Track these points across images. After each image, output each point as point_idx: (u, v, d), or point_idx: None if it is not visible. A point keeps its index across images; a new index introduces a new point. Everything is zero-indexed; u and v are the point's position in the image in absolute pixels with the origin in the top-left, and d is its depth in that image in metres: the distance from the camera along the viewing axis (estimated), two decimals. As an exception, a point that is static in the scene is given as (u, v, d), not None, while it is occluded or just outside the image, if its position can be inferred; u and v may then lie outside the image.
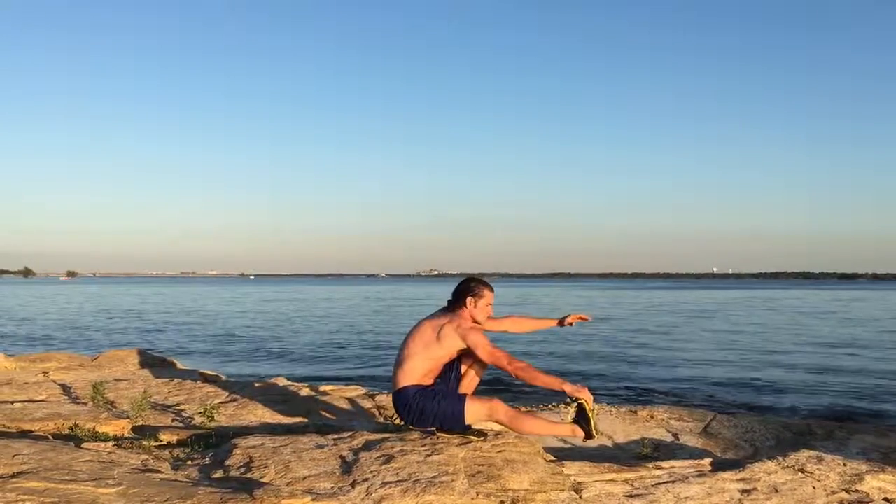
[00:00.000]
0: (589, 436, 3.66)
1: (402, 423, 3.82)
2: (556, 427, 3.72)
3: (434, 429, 3.82)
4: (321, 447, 3.44)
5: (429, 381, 3.68)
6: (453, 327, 3.63)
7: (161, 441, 3.93)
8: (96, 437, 3.89)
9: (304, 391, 5.80)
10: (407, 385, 3.64)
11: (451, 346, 3.64)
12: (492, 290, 3.88)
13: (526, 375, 3.52)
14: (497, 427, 4.59)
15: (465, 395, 3.68)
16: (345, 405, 5.31)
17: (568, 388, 3.56)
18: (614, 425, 5.58)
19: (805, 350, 17.80)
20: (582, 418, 3.64)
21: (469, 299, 3.79)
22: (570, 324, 4.18)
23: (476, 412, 3.60)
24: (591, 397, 3.62)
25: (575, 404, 3.63)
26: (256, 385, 6.20)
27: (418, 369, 3.64)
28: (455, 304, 3.82)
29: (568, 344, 19.25)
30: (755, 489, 3.30)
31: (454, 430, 3.68)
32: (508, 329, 4.12)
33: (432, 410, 3.60)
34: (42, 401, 5.06)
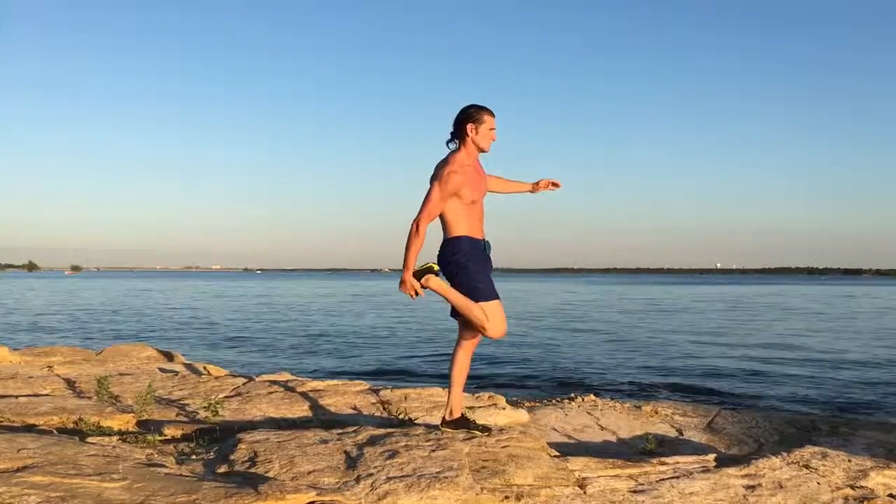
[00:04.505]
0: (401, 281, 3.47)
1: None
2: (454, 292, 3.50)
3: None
4: (325, 442, 3.44)
5: (451, 234, 3.57)
6: (435, 178, 3.49)
7: (166, 435, 3.94)
8: (101, 431, 3.89)
9: (309, 386, 5.80)
10: (445, 238, 3.58)
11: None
12: (492, 114, 3.56)
13: (408, 240, 3.39)
14: (501, 423, 4.59)
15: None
16: (349, 400, 5.31)
17: (406, 278, 3.41)
18: (618, 420, 5.59)
19: (809, 345, 17.77)
20: (422, 274, 3.49)
21: (470, 126, 3.50)
22: (544, 188, 3.94)
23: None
24: (416, 292, 3.44)
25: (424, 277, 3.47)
26: (261, 379, 6.21)
27: (443, 224, 3.57)
28: (456, 135, 3.58)
29: (571, 339, 19.25)
30: (760, 485, 3.30)
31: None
32: (491, 187, 3.82)
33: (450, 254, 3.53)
34: (47, 395, 5.07)
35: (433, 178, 3.52)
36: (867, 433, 5.52)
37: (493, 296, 3.51)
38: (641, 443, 4.95)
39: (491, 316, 3.47)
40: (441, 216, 3.55)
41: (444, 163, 3.54)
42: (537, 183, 3.93)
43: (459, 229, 3.53)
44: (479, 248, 3.58)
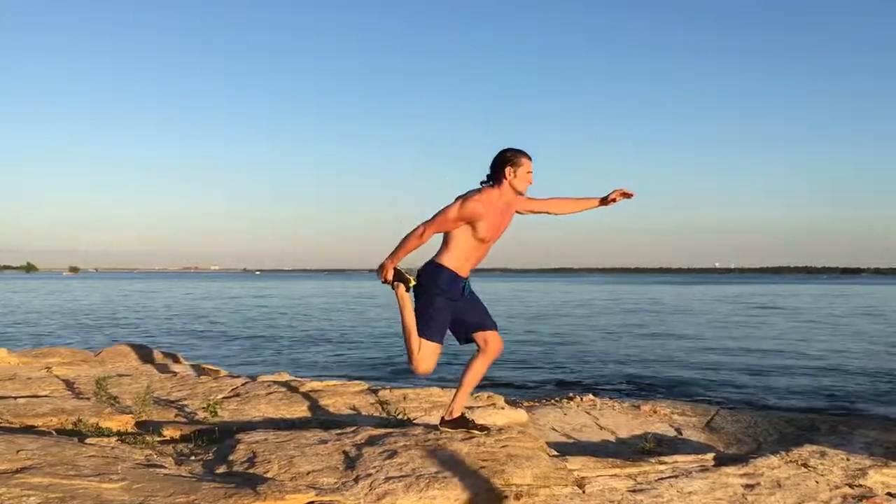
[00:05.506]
0: (376, 266, 3.63)
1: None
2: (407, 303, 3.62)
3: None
4: (324, 442, 3.44)
5: (439, 258, 3.60)
6: (461, 197, 3.54)
7: (164, 436, 3.94)
8: (100, 432, 3.90)
9: (307, 386, 5.80)
10: (433, 258, 3.63)
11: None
12: (530, 158, 3.61)
13: (409, 236, 3.50)
14: (500, 422, 4.59)
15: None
16: (348, 400, 5.31)
17: (387, 265, 3.55)
18: (617, 420, 5.59)
19: (807, 344, 17.78)
20: (399, 278, 3.59)
21: (508, 169, 3.54)
22: (614, 200, 3.87)
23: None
24: (384, 279, 3.57)
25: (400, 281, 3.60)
26: (259, 380, 6.21)
27: (442, 243, 3.61)
28: (492, 178, 3.62)
29: (570, 338, 19.26)
30: (758, 484, 3.30)
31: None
32: (549, 210, 3.86)
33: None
34: (45, 396, 5.07)
35: (459, 197, 3.57)
36: (866, 432, 5.53)
37: (436, 339, 3.57)
38: (640, 442, 4.95)
39: (423, 352, 3.55)
40: (445, 235, 3.59)
41: (475, 191, 3.60)
42: (606, 197, 3.87)
43: (450, 259, 3.57)
44: (457, 288, 3.60)
